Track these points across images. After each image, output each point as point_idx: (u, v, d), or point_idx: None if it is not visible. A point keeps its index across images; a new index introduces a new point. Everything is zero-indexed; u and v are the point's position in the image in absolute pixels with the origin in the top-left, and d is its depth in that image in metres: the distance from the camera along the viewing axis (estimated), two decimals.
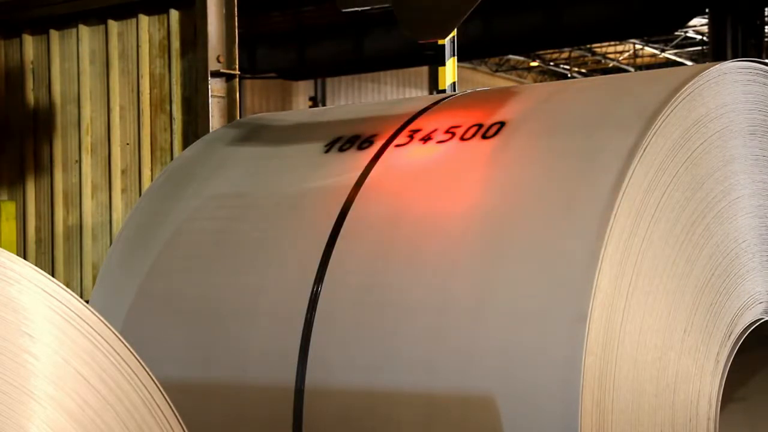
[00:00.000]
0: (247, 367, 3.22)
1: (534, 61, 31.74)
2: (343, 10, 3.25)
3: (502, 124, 3.24)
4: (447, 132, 3.33)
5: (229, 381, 3.25)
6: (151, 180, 5.81)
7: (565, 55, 30.98)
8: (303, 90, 27.90)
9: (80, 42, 6.26)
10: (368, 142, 3.45)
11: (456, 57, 7.60)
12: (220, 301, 3.36)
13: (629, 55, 31.17)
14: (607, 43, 29.23)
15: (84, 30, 6.25)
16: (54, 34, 6.39)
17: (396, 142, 3.39)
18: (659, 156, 2.90)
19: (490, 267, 2.89)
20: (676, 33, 26.96)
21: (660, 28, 19.35)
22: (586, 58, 31.87)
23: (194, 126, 5.72)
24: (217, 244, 3.50)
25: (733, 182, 3.15)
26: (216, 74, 5.63)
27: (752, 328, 3.18)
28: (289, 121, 4.19)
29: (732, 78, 3.16)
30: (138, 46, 5.99)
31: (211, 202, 3.65)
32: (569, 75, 32.08)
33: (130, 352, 2.02)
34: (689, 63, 29.25)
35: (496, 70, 32.46)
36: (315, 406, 3.05)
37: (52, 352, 1.91)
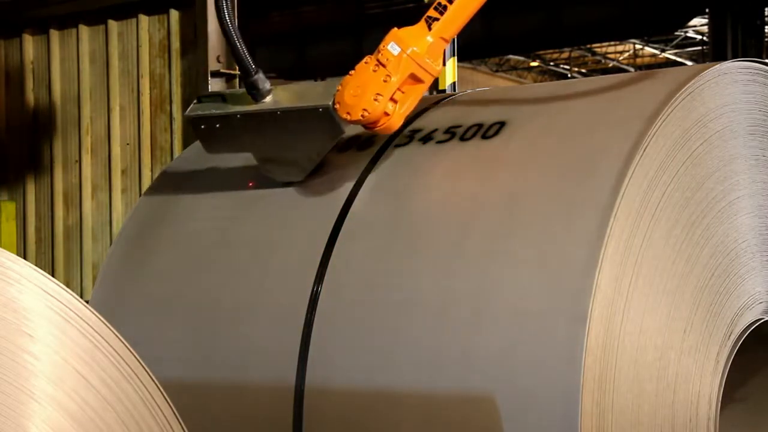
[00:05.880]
0: (247, 367, 3.22)
1: (534, 61, 31.68)
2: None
3: (502, 124, 3.24)
4: (447, 132, 3.33)
5: (229, 381, 3.25)
6: (151, 180, 5.81)
7: (565, 55, 30.93)
8: None
9: (80, 42, 6.26)
10: (368, 142, 3.45)
11: (456, 57, 7.58)
12: (220, 301, 3.36)
13: (629, 55, 31.13)
14: (607, 43, 29.18)
15: (84, 30, 6.25)
16: (54, 34, 6.39)
17: (396, 142, 3.39)
18: (659, 156, 2.90)
19: (490, 267, 2.89)
20: (676, 33, 26.92)
21: (660, 28, 19.31)
22: (586, 58, 31.82)
23: None
24: (217, 243, 3.50)
25: (733, 182, 3.15)
26: (216, 74, 5.62)
27: (752, 328, 3.18)
28: None
29: (732, 78, 3.16)
30: (138, 46, 5.99)
31: (210, 201, 3.65)
32: (569, 75, 32.02)
33: (130, 352, 2.02)
34: (689, 63, 29.23)
35: (496, 70, 32.40)
36: (315, 406, 3.05)
37: (52, 352, 1.91)
